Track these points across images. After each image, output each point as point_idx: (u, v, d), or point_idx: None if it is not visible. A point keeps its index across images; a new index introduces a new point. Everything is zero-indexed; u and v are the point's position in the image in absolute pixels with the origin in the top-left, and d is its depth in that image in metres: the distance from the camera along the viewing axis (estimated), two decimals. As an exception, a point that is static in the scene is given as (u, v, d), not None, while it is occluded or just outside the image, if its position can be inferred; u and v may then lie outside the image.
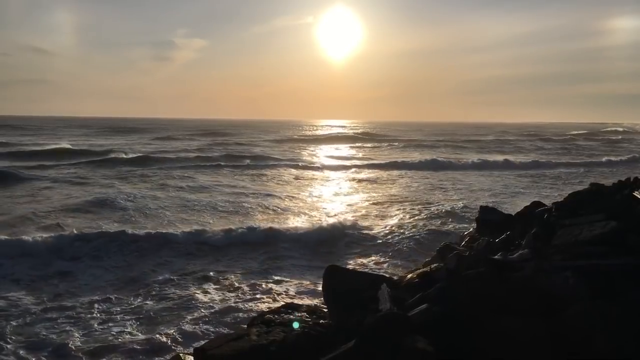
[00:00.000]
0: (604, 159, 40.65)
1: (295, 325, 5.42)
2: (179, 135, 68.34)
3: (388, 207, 18.47)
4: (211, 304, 9.20)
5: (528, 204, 8.47)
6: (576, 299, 4.68)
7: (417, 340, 4.16)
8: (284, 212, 17.52)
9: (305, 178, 27.68)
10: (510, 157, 40.44)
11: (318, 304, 7.34)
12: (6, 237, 12.82)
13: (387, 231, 14.38)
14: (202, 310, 8.88)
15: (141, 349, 7.46)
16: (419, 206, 18.22)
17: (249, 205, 18.39)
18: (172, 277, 10.70)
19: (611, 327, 4.22)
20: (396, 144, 59.83)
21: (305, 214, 17.26)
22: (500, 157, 40.72)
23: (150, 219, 16.09)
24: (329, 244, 13.36)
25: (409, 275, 6.74)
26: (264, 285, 10.20)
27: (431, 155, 42.72)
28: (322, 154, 45.99)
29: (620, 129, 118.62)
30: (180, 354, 6.31)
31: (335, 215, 16.91)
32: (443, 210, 17.09)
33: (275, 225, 14.73)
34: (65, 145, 43.27)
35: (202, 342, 6.39)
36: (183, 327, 8.16)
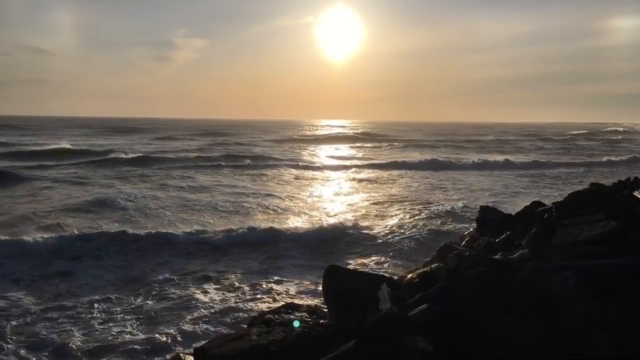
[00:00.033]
0: (604, 159, 40.64)
1: (296, 324, 5.42)
2: (179, 135, 68.35)
3: (388, 206, 18.47)
4: (211, 304, 9.20)
5: (528, 203, 8.47)
6: (576, 298, 4.68)
7: (417, 340, 4.16)
8: (284, 212, 17.52)
9: (306, 178, 27.68)
10: (511, 157, 40.45)
11: (318, 304, 7.34)
12: (7, 237, 12.83)
13: (388, 231, 14.38)
14: (202, 310, 8.88)
15: (141, 348, 7.46)
16: (419, 206, 18.22)
17: (249, 205, 18.40)
18: (172, 277, 10.70)
19: (611, 327, 4.22)
20: (396, 143, 59.83)
21: (305, 213, 17.26)
22: (500, 157, 40.73)
23: (150, 218, 16.10)
24: (329, 243, 13.36)
25: (409, 275, 6.75)
26: (264, 285, 10.20)
27: (431, 155, 42.72)
28: (322, 154, 46.00)
29: (621, 129, 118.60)
30: (180, 354, 6.32)
31: (335, 215, 16.91)
32: (443, 210, 17.10)
33: (276, 225, 14.73)
34: (65, 145, 43.28)
35: (202, 342, 6.39)
36: (183, 327, 8.16)
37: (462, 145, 59.17)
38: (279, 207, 18.28)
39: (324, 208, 18.52)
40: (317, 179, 27.63)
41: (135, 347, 7.50)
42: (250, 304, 9.23)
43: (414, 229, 14.47)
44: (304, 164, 34.38)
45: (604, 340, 4.15)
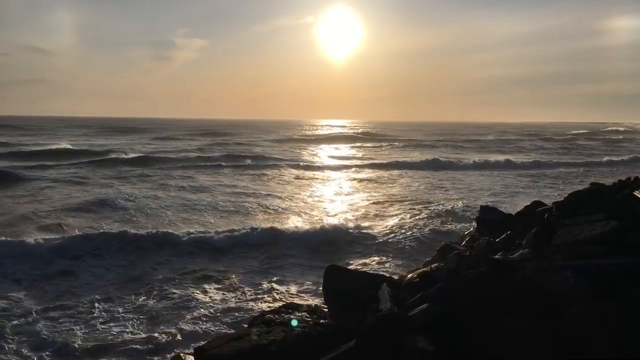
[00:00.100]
0: (604, 159, 40.61)
1: (294, 323, 5.42)
2: (179, 135, 68.37)
3: (388, 206, 18.48)
4: (212, 304, 9.21)
5: (528, 203, 8.47)
6: (576, 298, 4.68)
7: (418, 340, 4.16)
8: (285, 212, 17.53)
9: (306, 178, 27.68)
10: (511, 157, 40.44)
11: (319, 304, 7.34)
12: (7, 236, 12.85)
13: (388, 231, 14.39)
14: (203, 310, 8.89)
15: (142, 348, 7.47)
16: (419, 206, 18.23)
17: (250, 205, 18.41)
18: (173, 277, 10.71)
19: (611, 326, 4.22)
20: (396, 143, 59.82)
21: (306, 213, 17.27)
22: (500, 157, 40.73)
23: (151, 218, 16.11)
24: (329, 243, 13.36)
25: (410, 275, 6.75)
26: (264, 285, 10.21)
27: (431, 155, 42.71)
28: (323, 153, 46.01)
29: (621, 129, 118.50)
30: (181, 354, 6.32)
31: (336, 215, 16.93)
32: (443, 210, 17.11)
33: (276, 225, 14.74)
34: (65, 145, 43.30)
35: (203, 342, 6.40)
36: (183, 327, 8.17)
37: (462, 145, 59.17)
38: (279, 207, 18.28)
39: (324, 208, 18.53)
40: (317, 178, 27.63)
41: (136, 346, 7.52)
42: (251, 303, 9.24)
43: (414, 229, 14.47)
44: (304, 163, 34.38)
45: (604, 340, 4.15)
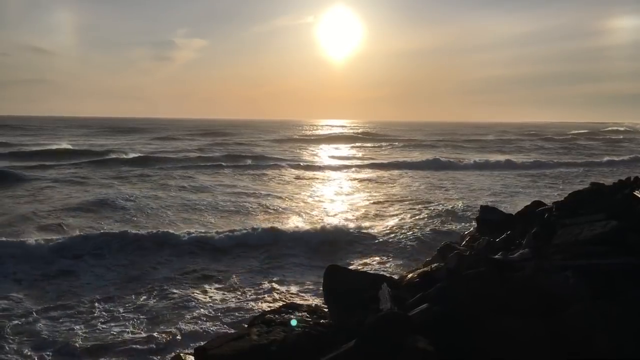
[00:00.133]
0: (604, 159, 40.60)
1: (293, 323, 5.43)
2: (179, 135, 68.38)
3: (389, 206, 18.49)
4: (212, 304, 9.22)
5: (528, 203, 8.47)
6: (576, 298, 4.68)
7: (418, 340, 4.17)
8: (285, 212, 17.54)
9: (306, 178, 27.69)
10: (511, 157, 40.45)
11: (319, 304, 7.35)
12: (8, 236, 12.86)
13: (388, 230, 14.39)
14: (203, 310, 8.90)
15: (142, 348, 7.49)
16: (420, 205, 18.24)
17: (250, 205, 18.42)
18: (173, 277, 10.72)
19: (611, 326, 4.23)
20: (396, 143, 59.82)
21: (306, 213, 17.28)
22: (500, 157, 40.73)
23: (151, 218, 16.13)
24: (330, 243, 13.37)
25: (410, 275, 6.75)
26: (264, 285, 10.21)
27: (431, 155, 42.71)
28: (323, 153, 46.02)
29: (622, 129, 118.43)
30: (181, 354, 6.32)
31: (336, 214, 16.94)
32: (444, 210, 17.11)
33: (277, 225, 14.74)
34: (65, 145, 43.32)
35: (203, 342, 6.40)
36: (184, 327, 8.18)
37: (463, 145, 59.17)
38: (280, 207, 18.29)
39: (324, 208, 18.54)
40: (317, 178, 27.64)
41: (136, 346, 7.53)
42: (251, 303, 9.25)
43: (414, 229, 14.48)
44: (304, 164, 34.40)
45: (604, 340, 4.16)
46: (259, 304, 9.23)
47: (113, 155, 35.29)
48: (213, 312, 8.80)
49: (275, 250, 12.77)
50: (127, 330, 8.13)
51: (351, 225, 14.66)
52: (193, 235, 13.49)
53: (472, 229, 10.04)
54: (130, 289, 9.97)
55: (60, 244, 12.40)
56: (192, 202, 18.66)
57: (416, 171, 30.82)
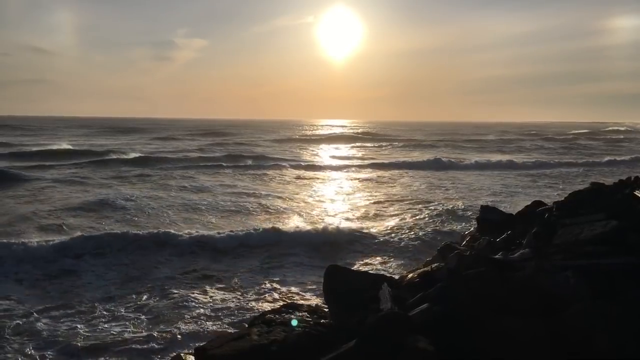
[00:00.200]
0: (605, 159, 40.58)
1: (294, 323, 5.43)
2: (179, 135, 68.39)
3: (389, 206, 18.49)
4: (212, 304, 9.22)
5: (529, 203, 8.48)
6: (577, 298, 4.69)
7: (418, 340, 4.17)
8: (286, 212, 17.54)
9: (307, 178, 27.69)
10: (511, 157, 40.45)
11: (319, 304, 7.36)
12: (9, 236, 12.87)
13: (389, 230, 14.40)
14: (203, 310, 8.91)
15: (143, 347, 7.49)
16: (420, 205, 18.24)
17: (251, 205, 18.42)
18: (174, 276, 10.73)
19: (612, 326, 4.23)
20: (396, 143, 59.82)
21: (307, 213, 17.28)
22: (500, 157, 40.73)
23: (152, 218, 16.13)
24: (330, 243, 13.36)
25: (410, 275, 6.76)
26: (265, 285, 10.22)
27: (432, 154, 42.70)
28: (323, 153, 46.02)
29: (622, 129, 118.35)
30: (181, 354, 6.33)
31: (337, 214, 16.94)
32: (444, 210, 17.11)
33: (277, 225, 14.74)
34: (65, 145, 43.33)
35: (203, 342, 6.41)
36: (184, 327, 8.19)
37: (463, 145, 59.16)
38: (280, 207, 18.29)
39: (325, 208, 18.54)
40: (318, 178, 27.64)
41: (137, 346, 7.53)
42: (252, 303, 9.26)
43: (415, 229, 14.48)
44: (305, 163, 34.40)
45: (604, 340, 4.16)
46: (260, 303, 9.23)
47: (113, 156, 35.30)
48: (213, 312, 8.81)
49: (276, 250, 12.78)
50: (128, 329, 8.13)
51: (352, 225, 14.67)
52: (194, 235, 13.50)
53: (472, 228, 10.05)
54: (131, 289, 9.98)
55: (61, 244, 12.41)
56: (192, 202, 18.67)
57: (416, 171, 30.82)
